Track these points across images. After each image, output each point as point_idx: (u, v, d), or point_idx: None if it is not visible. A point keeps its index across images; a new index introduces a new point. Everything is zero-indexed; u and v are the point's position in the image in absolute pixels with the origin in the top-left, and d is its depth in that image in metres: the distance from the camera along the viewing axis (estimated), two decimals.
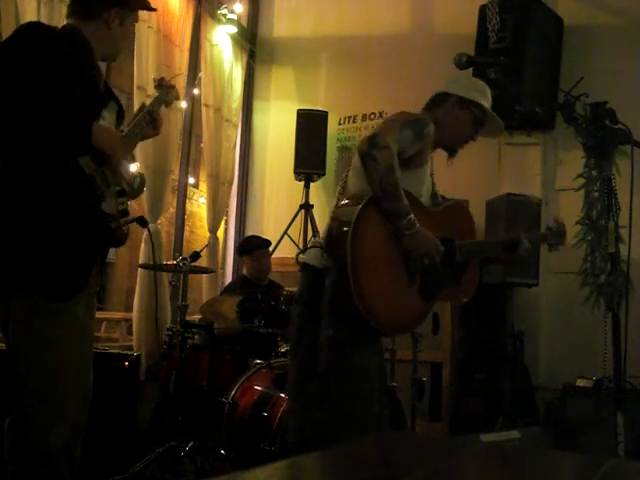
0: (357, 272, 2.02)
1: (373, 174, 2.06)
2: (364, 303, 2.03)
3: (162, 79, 2.53)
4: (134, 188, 2.24)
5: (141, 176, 2.30)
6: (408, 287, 2.18)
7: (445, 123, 2.35)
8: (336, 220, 2.14)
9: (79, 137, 2.00)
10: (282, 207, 5.43)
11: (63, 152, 1.99)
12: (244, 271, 4.54)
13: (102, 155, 2.06)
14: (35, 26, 2.15)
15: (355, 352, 2.15)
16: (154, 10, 2.50)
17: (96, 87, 2.19)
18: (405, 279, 2.17)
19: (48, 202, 1.99)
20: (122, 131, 2.28)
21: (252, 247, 4.30)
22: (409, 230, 2.09)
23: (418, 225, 2.11)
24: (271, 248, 4.50)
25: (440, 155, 2.48)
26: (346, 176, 2.34)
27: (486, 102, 2.40)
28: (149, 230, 2.39)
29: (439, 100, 2.40)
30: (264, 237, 4.50)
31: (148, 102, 2.50)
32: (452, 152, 2.45)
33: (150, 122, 2.38)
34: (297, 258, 2.37)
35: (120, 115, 2.30)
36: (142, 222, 2.32)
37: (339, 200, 2.30)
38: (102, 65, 2.38)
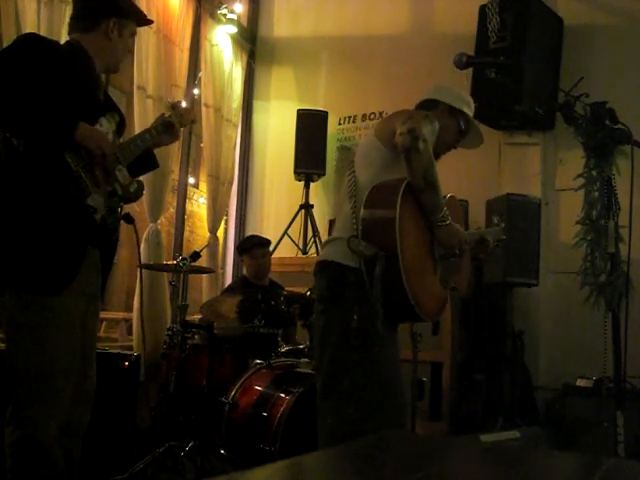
0: (405, 259, 2.02)
1: (417, 166, 2.05)
2: (413, 292, 2.03)
3: (177, 103, 2.58)
4: (129, 192, 2.25)
5: (139, 182, 2.31)
6: (434, 275, 2.22)
7: None
8: (372, 208, 2.09)
9: (63, 130, 2.04)
10: (282, 207, 5.43)
11: (49, 144, 2.04)
12: (244, 271, 4.55)
13: (90, 154, 2.09)
14: (33, 36, 2.23)
15: (385, 344, 2.14)
16: (151, 23, 2.54)
17: (93, 96, 2.24)
18: (432, 267, 2.22)
19: (31, 197, 2.04)
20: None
21: (252, 245, 4.29)
22: (444, 222, 2.14)
23: (450, 218, 2.16)
24: (271, 248, 4.49)
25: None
26: (352, 173, 2.27)
27: (471, 113, 2.45)
28: (135, 227, 2.41)
29: (428, 106, 2.41)
30: (264, 236, 4.49)
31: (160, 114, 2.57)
32: (435, 157, 2.43)
33: (165, 130, 2.44)
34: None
35: (121, 126, 2.34)
36: (128, 219, 2.32)
37: (353, 196, 2.20)
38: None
